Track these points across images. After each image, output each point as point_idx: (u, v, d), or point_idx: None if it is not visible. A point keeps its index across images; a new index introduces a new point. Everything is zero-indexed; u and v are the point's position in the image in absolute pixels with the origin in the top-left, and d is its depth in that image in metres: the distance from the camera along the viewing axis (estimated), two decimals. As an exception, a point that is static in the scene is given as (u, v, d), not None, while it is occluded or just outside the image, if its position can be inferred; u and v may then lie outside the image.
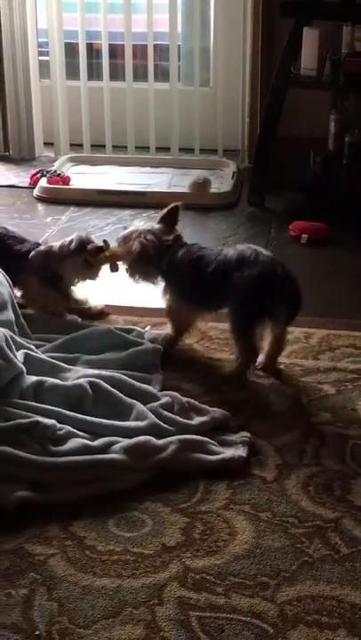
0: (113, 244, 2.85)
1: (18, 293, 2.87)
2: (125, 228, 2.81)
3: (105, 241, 2.89)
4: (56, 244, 2.90)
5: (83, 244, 2.88)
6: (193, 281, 2.68)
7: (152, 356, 2.67)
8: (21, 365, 2.40)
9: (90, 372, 2.51)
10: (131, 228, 2.77)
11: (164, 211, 2.78)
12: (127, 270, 2.78)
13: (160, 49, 4.67)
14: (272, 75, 4.02)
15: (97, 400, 2.40)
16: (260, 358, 2.68)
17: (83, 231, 3.01)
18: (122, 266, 2.82)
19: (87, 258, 2.87)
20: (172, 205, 2.78)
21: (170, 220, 2.77)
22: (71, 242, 2.89)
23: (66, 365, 2.55)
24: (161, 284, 2.77)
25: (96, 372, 2.50)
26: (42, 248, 2.90)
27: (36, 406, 2.34)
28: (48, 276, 2.89)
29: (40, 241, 2.99)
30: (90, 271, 2.90)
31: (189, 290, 2.71)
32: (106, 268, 2.89)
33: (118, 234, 2.83)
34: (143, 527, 2.06)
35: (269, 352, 2.67)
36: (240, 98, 4.49)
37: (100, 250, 2.86)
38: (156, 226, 2.75)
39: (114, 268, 2.88)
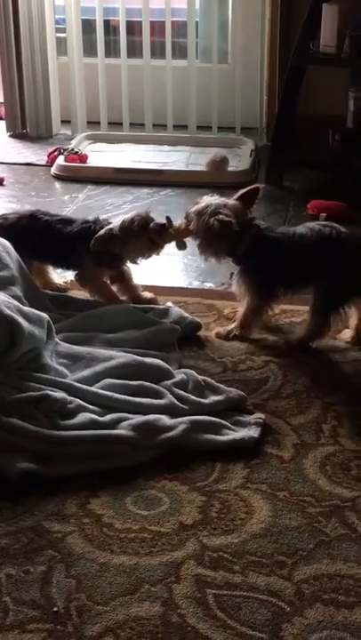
0: (176, 221, 2.74)
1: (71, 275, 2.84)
2: (197, 202, 2.69)
3: (168, 217, 2.74)
4: (115, 226, 2.74)
5: (145, 222, 2.74)
6: (281, 260, 2.63)
7: (169, 334, 2.67)
8: (41, 339, 2.40)
9: (107, 364, 2.47)
10: (203, 202, 2.66)
11: (245, 189, 2.69)
12: (199, 247, 2.68)
13: (178, 25, 4.64)
14: (291, 52, 3.99)
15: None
16: (349, 333, 2.69)
17: (142, 208, 2.84)
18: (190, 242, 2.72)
19: (151, 236, 2.74)
20: (255, 185, 2.71)
21: (247, 200, 2.68)
22: (132, 221, 2.73)
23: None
24: (235, 275, 2.70)
25: (114, 362, 2.48)
26: (102, 232, 2.72)
27: (47, 379, 2.35)
28: (105, 256, 2.78)
29: (89, 218, 2.85)
30: (153, 249, 2.77)
31: (277, 270, 2.65)
32: (171, 245, 2.78)
33: (189, 208, 2.71)
34: (161, 505, 2.07)
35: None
36: (258, 75, 4.46)
37: (164, 227, 2.73)
38: (231, 201, 2.67)
39: (181, 246, 2.77)
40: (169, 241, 2.76)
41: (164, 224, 2.73)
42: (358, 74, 4.09)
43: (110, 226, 2.75)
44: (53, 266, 2.93)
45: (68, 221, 2.84)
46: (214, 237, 2.61)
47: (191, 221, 2.67)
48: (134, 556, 1.92)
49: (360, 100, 4.07)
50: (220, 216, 2.59)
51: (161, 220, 2.75)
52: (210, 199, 2.67)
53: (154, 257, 2.81)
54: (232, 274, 2.84)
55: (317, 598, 1.81)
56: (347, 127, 4.11)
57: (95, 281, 2.86)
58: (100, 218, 2.84)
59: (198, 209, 2.66)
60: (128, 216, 2.76)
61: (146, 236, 2.74)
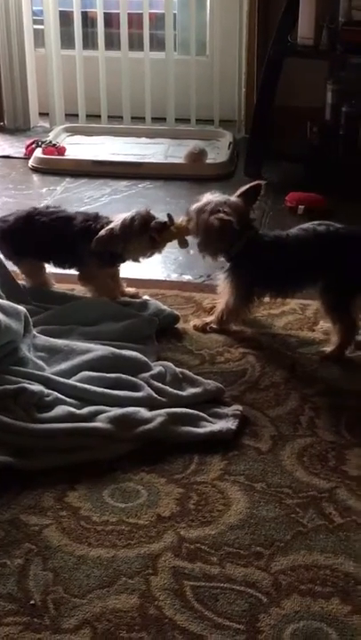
0: (178, 218, 2.70)
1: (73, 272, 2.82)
2: (197, 199, 2.66)
3: (169, 215, 2.69)
4: (116, 225, 2.68)
5: (146, 221, 2.69)
6: (273, 265, 2.61)
7: (148, 327, 2.67)
8: (18, 332, 2.40)
9: (84, 357, 2.46)
10: (204, 200, 2.63)
11: (247, 186, 2.65)
12: (199, 245, 2.64)
13: (156, 18, 4.63)
14: (269, 44, 3.98)
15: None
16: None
17: (142, 206, 2.76)
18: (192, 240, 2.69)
19: (153, 235, 2.69)
20: (257, 182, 2.67)
21: (249, 197, 2.64)
22: (133, 220, 2.68)
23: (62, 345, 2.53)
24: (223, 270, 2.67)
25: (91, 355, 2.47)
26: (103, 233, 2.67)
27: (25, 372, 2.34)
28: (107, 256, 2.74)
29: (88, 214, 2.81)
30: (155, 248, 2.73)
31: (269, 275, 2.63)
32: (173, 243, 2.75)
33: (190, 205, 2.67)
34: (138, 498, 2.07)
35: None
36: (237, 67, 4.46)
37: (165, 225, 2.69)
38: (233, 199, 2.63)
39: (183, 244, 2.73)
40: (170, 239, 2.73)
41: (165, 222, 2.69)
42: (336, 66, 4.09)
43: (111, 225, 2.70)
44: (55, 265, 2.87)
45: (68, 219, 2.79)
46: (214, 236, 2.58)
47: (191, 219, 2.64)
48: (112, 549, 1.91)
49: (338, 93, 4.07)
50: (221, 215, 2.56)
51: (162, 217, 2.71)
52: (211, 196, 2.64)
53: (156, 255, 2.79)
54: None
55: (294, 589, 1.81)
56: (325, 119, 4.11)
57: (98, 279, 2.82)
58: (101, 214, 2.80)
59: (198, 207, 2.62)
60: (128, 215, 2.71)
61: (147, 234, 2.69)
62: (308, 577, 1.84)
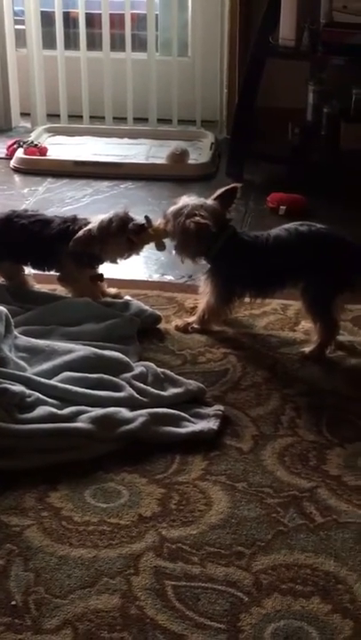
0: (157, 221, 2.70)
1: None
2: (174, 202, 2.67)
3: (147, 217, 2.70)
4: (94, 226, 2.69)
5: (124, 222, 2.69)
6: (252, 265, 2.62)
7: (129, 327, 2.67)
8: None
9: (66, 358, 2.46)
10: (181, 203, 2.63)
11: (223, 189, 2.67)
12: (176, 248, 2.66)
13: (138, 18, 4.63)
14: (250, 45, 3.99)
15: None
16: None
17: (120, 208, 2.76)
18: (169, 243, 2.70)
19: (130, 237, 2.70)
20: (233, 185, 2.68)
21: (225, 200, 2.65)
22: (111, 222, 2.68)
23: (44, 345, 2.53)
24: (204, 270, 2.68)
25: (73, 355, 2.47)
26: (80, 233, 2.68)
27: (6, 372, 2.33)
28: (85, 257, 2.74)
29: (65, 217, 2.81)
30: (132, 250, 2.74)
31: (248, 275, 2.64)
32: (150, 246, 2.76)
33: (166, 208, 2.68)
34: (119, 498, 2.07)
35: None
36: (218, 68, 4.46)
37: (143, 227, 2.69)
38: (209, 202, 2.64)
39: (160, 247, 2.74)
40: (148, 241, 2.73)
41: (143, 224, 2.69)
42: (317, 67, 4.11)
43: (89, 226, 2.71)
44: (34, 267, 2.87)
45: (46, 222, 2.79)
46: (191, 239, 2.59)
47: (169, 222, 2.65)
48: (93, 549, 1.92)
49: (319, 94, 4.08)
50: (197, 218, 2.57)
51: (140, 219, 2.71)
52: (187, 199, 2.64)
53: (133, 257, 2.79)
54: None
55: (275, 588, 1.82)
56: (306, 120, 4.13)
57: (78, 281, 2.82)
58: (79, 217, 2.80)
59: (175, 210, 2.63)
60: (106, 216, 2.71)
61: (124, 236, 2.70)
62: (288, 576, 1.85)
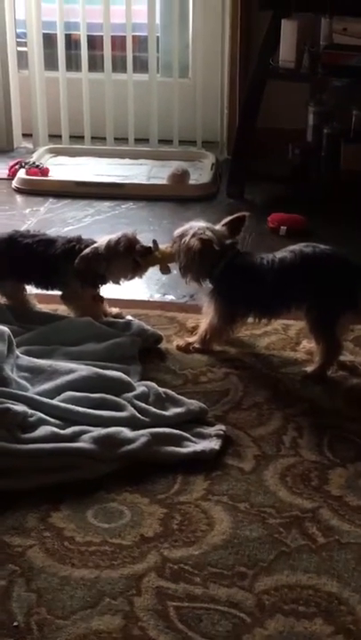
0: (162, 244, 2.73)
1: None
2: (181, 225, 2.70)
3: (154, 241, 2.73)
4: (101, 245, 2.71)
5: (131, 243, 2.71)
6: (256, 286, 2.62)
7: (130, 347, 2.67)
8: (1, 352, 2.40)
9: (68, 377, 2.46)
10: (186, 225, 2.66)
11: (231, 217, 2.71)
12: (180, 269, 2.67)
13: (139, 40, 4.66)
14: (251, 66, 4.02)
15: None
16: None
17: (129, 229, 2.78)
18: (173, 267, 2.72)
19: (136, 258, 2.72)
20: (241, 213, 2.71)
21: (233, 227, 2.69)
22: (118, 242, 2.70)
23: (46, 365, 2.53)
24: (206, 290, 2.68)
25: (75, 375, 2.47)
26: (87, 251, 2.70)
27: (8, 392, 2.34)
28: (90, 276, 2.75)
29: (70, 237, 2.81)
30: (137, 272, 2.76)
31: (251, 296, 2.65)
32: (155, 269, 2.78)
33: (173, 231, 2.70)
34: (122, 518, 2.07)
35: None
36: (219, 89, 4.49)
37: (149, 250, 2.72)
38: (217, 227, 2.68)
39: (165, 270, 2.77)
40: (153, 264, 2.76)
41: (150, 247, 2.72)
42: (317, 88, 4.13)
43: (95, 245, 2.73)
44: (36, 286, 2.87)
45: (50, 241, 2.80)
46: (195, 257, 2.60)
47: (175, 243, 2.67)
48: (95, 570, 1.91)
49: (319, 115, 4.11)
50: (201, 235, 2.60)
51: (147, 242, 2.73)
52: (194, 223, 2.67)
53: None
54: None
55: (278, 609, 1.82)
56: (306, 141, 4.15)
57: (81, 300, 2.83)
58: (84, 237, 2.82)
59: (181, 231, 2.67)
60: (114, 236, 2.73)
61: (131, 257, 2.72)
62: (291, 597, 1.85)
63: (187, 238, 2.62)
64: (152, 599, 1.84)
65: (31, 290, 2.91)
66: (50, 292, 2.87)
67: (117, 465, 2.22)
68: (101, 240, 2.74)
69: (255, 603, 1.83)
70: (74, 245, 2.76)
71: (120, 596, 1.84)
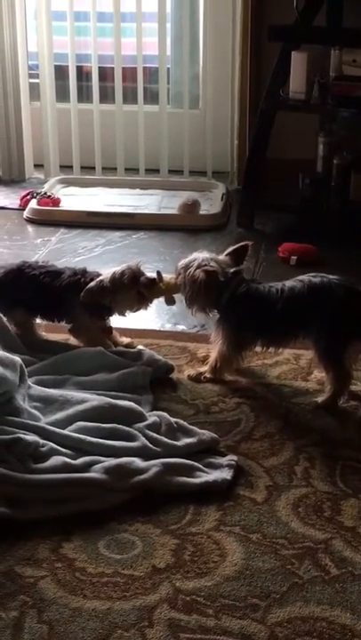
0: (166, 275, 2.75)
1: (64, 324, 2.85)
2: (185, 257, 2.71)
3: (158, 272, 2.76)
4: (106, 277, 2.73)
5: (135, 275, 2.73)
6: (263, 314, 2.63)
7: (142, 377, 2.68)
8: (14, 382, 2.40)
9: (79, 407, 2.47)
10: (191, 257, 2.69)
11: (234, 247, 2.73)
12: (186, 300, 2.68)
13: (150, 72, 4.70)
14: (261, 97, 4.05)
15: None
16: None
17: (133, 261, 2.81)
18: (178, 298, 2.74)
19: (141, 290, 2.75)
20: (245, 243, 2.74)
21: (237, 256, 2.71)
22: (123, 274, 2.72)
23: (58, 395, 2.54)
24: (214, 319, 2.70)
25: (86, 405, 2.48)
26: (93, 284, 2.73)
27: (20, 422, 2.34)
28: (96, 308, 2.78)
29: (76, 269, 2.84)
30: (142, 303, 2.78)
31: (258, 324, 2.65)
32: (160, 300, 2.80)
33: (178, 263, 2.72)
34: (133, 549, 2.06)
35: None
36: (229, 120, 4.52)
37: (154, 281, 2.74)
38: (221, 257, 2.70)
39: (170, 302, 2.78)
40: (158, 296, 2.78)
41: (154, 279, 2.74)
42: (327, 119, 4.16)
43: (101, 277, 2.75)
44: (43, 319, 2.90)
45: (56, 273, 2.82)
46: (200, 289, 2.62)
47: (180, 275, 2.68)
48: (107, 601, 1.90)
49: (329, 145, 4.13)
50: (206, 267, 2.61)
51: (152, 274, 2.75)
52: (198, 254, 2.69)
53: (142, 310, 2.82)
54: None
55: (291, 641, 1.81)
56: (316, 172, 4.17)
57: (89, 332, 2.85)
58: (89, 269, 2.84)
59: (185, 263, 2.68)
60: (119, 268, 2.76)
61: (135, 289, 2.74)
62: (304, 629, 1.83)
63: (191, 270, 2.64)
64: (164, 631, 1.83)
65: (39, 320, 2.92)
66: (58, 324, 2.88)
67: (129, 495, 2.22)
68: (106, 272, 2.77)
69: (268, 635, 1.82)
70: (79, 278, 2.79)
71: (132, 628, 1.83)
